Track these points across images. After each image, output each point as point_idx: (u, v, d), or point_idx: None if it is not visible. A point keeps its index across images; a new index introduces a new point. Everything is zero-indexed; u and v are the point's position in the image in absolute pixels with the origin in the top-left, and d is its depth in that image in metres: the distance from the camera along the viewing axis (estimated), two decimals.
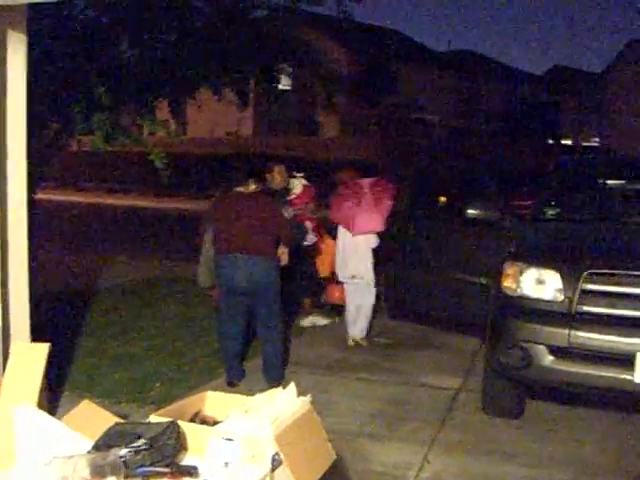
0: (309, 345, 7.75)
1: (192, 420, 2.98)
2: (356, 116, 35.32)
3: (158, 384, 6.28)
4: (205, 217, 6.78)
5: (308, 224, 7.99)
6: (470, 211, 6.53)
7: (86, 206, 27.05)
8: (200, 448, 2.60)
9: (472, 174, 7.19)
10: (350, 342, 7.73)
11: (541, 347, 4.82)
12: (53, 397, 5.34)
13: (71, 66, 7.14)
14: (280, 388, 3.22)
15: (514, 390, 5.46)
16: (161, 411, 2.99)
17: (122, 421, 2.61)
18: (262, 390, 3.58)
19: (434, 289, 7.24)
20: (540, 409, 5.87)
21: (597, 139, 43.73)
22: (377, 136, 32.40)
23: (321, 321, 8.55)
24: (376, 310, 8.06)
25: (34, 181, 8.13)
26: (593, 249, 5.25)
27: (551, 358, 4.80)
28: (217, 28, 8.12)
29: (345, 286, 7.88)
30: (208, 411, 3.21)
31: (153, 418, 2.72)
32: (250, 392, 3.67)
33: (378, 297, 7.96)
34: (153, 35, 7.61)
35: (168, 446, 2.36)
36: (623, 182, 6.53)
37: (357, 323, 7.76)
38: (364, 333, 7.77)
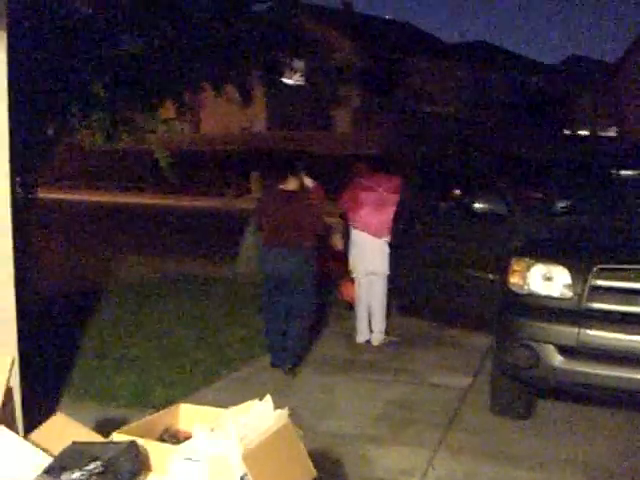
0: (316, 343, 7.59)
1: (161, 436, 2.81)
2: (368, 110, 35.06)
3: (159, 387, 6.14)
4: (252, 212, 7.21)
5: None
6: (477, 205, 6.34)
7: (99, 204, 27.10)
8: (164, 468, 2.42)
9: (480, 166, 6.97)
10: (360, 339, 7.56)
11: (549, 346, 4.61)
12: (46, 408, 5.20)
13: (67, 62, 6.99)
14: (256, 400, 3.03)
15: (522, 390, 5.26)
16: (127, 427, 2.81)
17: (81, 440, 2.44)
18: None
19: (442, 285, 7.04)
20: (549, 409, 5.68)
21: (615, 128, 43.17)
22: (389, 130, 32.13)
23: None
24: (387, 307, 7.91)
25: (34, 180, 8.04)
26: (603, 243, 5.04)
27: (560, 358, 4.60)
28: (216, 22, 7.95)
29: (358, 283, 7.73)
30: (182, 425, 3.03)
31: (115, 436, 2.56)
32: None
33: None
34: (151, 29, 7.43)
35: (125, 468, 2.19)
36: (636, 172, 6.31)
37: (375, 325, 7.60)
38: (382, 334, 7.61)
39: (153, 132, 8.16)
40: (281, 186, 6.70)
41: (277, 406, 5.38)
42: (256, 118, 35.78)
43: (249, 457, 2.42)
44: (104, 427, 5.25)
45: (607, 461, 4.78)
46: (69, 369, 6.50)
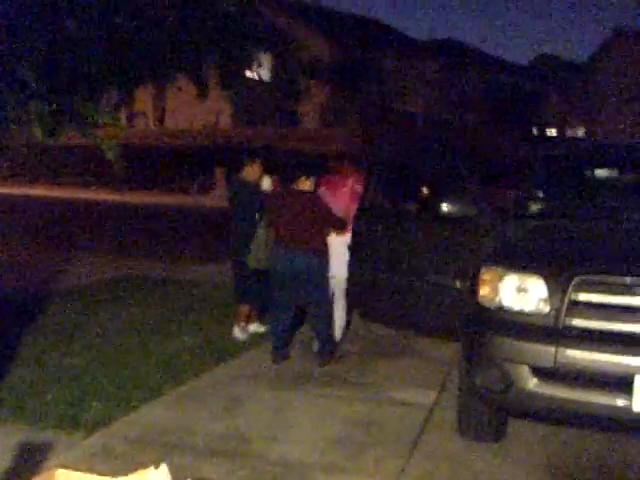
0: (268, 355, 7.06)
1: None
2: (336, 107, 34.62)
3: (95, 403, 5.57)
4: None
5: None
6: (445, 206, 5.83)
7: (58, 201, 26.26)
8: None
9: (448, 165, 6.48)
10: (316, 347, 7.04)
11: (523, 368, 4.10)
12: None
13: None
14: (151, 468, 2.49)
15: (493, 412, 4.77)
16: None
17: None
18: None
19: (404, 293, 6.53)
20: (523, 431, 5.18)
21: (583, 129, 43.23)
22: (357, 127, 31.67)
23: (260, 328, 7.83)
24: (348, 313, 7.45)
25: None
26: (584, 251, 4.51)
27: (535, 381, 4.08)
28: (166, 8, 7.38)
29: None
30: None
31: None
32: None
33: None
34: (92, 12, 6.82)
35: None
36: (616, 172, 5.84)
37: (335, 331, 7.13)
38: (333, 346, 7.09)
39: (96, 124, 7.56)
40: (294, 185, 6.86)
41: (227, 426, 4.86)
42: (221, 114, 35.15)
43: None
44: (29, 453, 4.75)
45: None
46: None
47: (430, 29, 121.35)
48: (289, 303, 6.84)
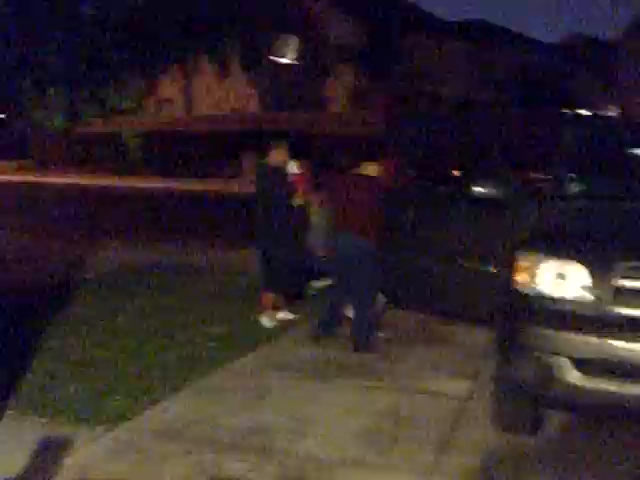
0: (297, 343, 6.87)
1: None
2: (365, 89, 34.25)
3: (115, 398, 5.40)
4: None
5: (315, 206, 8.27)
6: (476, 188, 5.56)
7: (90, 188, 26.28)
8: None
9: (479, 145, 6.20)
10: (351, 332, 6.82)
11: (564, 360, 3.84)
12: None
13: (19, 30, 6.18)
14: None
15: (531, 405, 4.51)
16: None
17: None
18: None
19: (435, 278, 6.28)
20: (563, 422, 4.93)
21: (616, 108, 42.39)
22: (384, 109, 31.28)
23: (289, 315, 7.66)
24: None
25: None
26: (629, 235, 4.23)
27: (577, 374, 3.82)
28: None
29: None
30: None
31: None
32: None
33: None
34: None
35: None
36: None
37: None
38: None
39: (118, 111, 7.39)
40: (354, 170, 6.86)
41: (252, 420, 4.67)
42: (249, 99, 34.94)
43: None
44: (48, 448, 4.60)
45: None
46: (21, 375, 5.78)
47: (459, 10, 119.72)
48: (342, 287, 6.87)
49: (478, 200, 5.64)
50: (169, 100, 34.65)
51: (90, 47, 6.53)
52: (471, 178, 5.65)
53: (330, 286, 7.24)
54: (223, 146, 31.42)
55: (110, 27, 6.70)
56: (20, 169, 32.24)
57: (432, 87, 36.73)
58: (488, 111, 15.33)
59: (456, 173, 6.70)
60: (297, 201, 7.61)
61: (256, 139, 28.60)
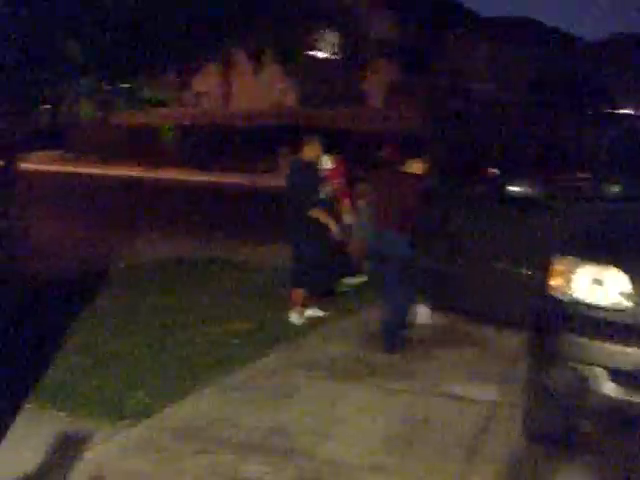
0: (326, 341, 6.75)
1: None
2: (403, 85, 34.00)
3: (138, 393, 5.32)
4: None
5: (347, 202, 8.37)
6: (512, 188, 5.38)
7: (126, 180, 26.46)
8: None
9: (513, 145, 6.04)
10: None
11: (600, 370, 3.66)
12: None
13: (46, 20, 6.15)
14: None
15: (563, 415, 4.32)
16: None
17: None
18: None
19: (468, 279, 6.11)
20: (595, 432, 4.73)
21: None
22: (423, 106, 31.01)
23: (318, 313, 7.54)
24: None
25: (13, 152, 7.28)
26: None
27: (613, 386, 3.64)
28: None
29: None
30: None
31: None
32: None
33: None
34: None
35: None
36: None
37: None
38: None
39: (155, 103, 7.33)
40: (398, 167, 6.78)
41: (274, 420, 4.55)
42: (286, 94, 34.89)
43: None
44: (68, 442, 4.53)
45: None
46: (45, 368, 5.73)
47: (499, 6, 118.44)
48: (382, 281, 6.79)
49: (513, 201, 5.46)
50: (205, 93, 34.73)
51: (124, 36, 6.50)
52: (507, 178, 5.47)
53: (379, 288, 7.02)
54: (259, 141, 31.42)
55: (144, 18, 6.68)
56: (60, 160, 32.65)
57: (472, 85, 36.34)
58: (526, 111, 15.08)
59: (492, 172, 6.52)
60: (327, 191, 7.64)
61: (293, 134, 28.56)
